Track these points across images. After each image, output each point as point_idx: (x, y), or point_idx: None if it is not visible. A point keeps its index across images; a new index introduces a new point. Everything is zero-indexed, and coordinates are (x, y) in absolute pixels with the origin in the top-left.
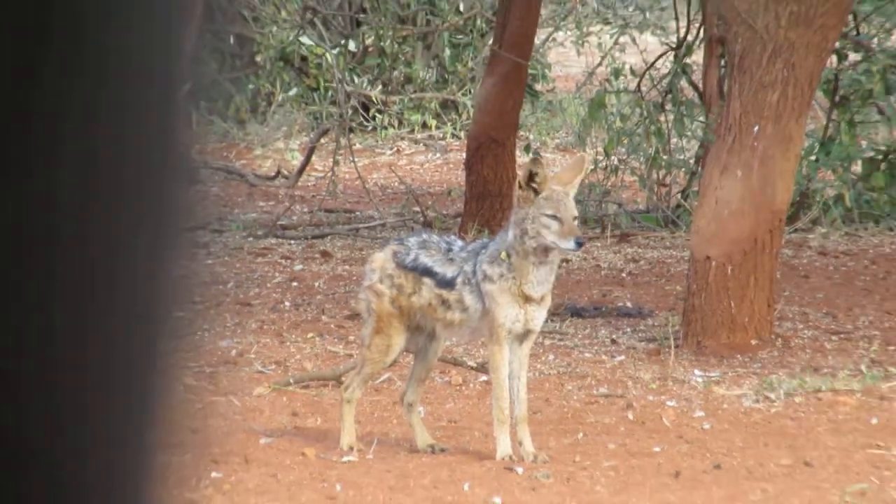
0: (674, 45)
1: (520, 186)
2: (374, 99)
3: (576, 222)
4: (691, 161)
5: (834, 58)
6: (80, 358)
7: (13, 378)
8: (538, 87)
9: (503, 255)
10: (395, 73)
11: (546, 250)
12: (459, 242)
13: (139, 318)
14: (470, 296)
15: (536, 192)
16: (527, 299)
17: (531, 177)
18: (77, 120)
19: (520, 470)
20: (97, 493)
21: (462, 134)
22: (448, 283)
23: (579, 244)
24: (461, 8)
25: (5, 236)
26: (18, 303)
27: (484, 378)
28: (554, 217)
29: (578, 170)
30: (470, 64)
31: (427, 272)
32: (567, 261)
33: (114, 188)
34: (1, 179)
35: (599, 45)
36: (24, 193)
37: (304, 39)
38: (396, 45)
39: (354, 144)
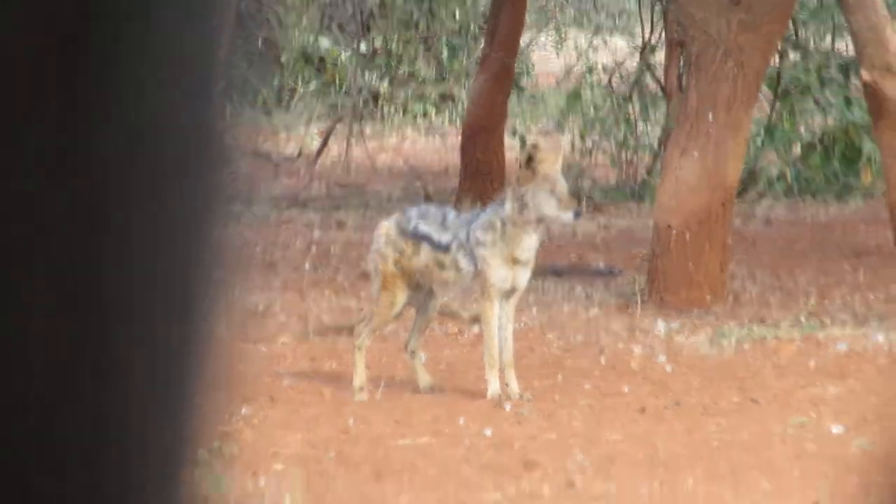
0: (639, 47)
1: (520, 167)
2: (382, 92)
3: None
4: (655, 144)
5: (777, 57)
6: (131, 312)
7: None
8: (523, 82)
9: (498, 224)
10: (400, 70)
11: (541, 221)
12: (453, 213)
13: (183, 276)
14: (463, 259)
15: (534, 172)
16: (515, 262)
17: (529, 159)
18: (124, 101)
19: (507, 407)
20: (148, 424)
21: (458, 122)
22: (443, 248)
23: (577, 214)
24: (457, 16)
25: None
26: (71, 258)
27: (476, 329)
28: (552, 193)
29: (558, 150)
30: (465, 63)
31: (425, 238)
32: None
33: (157, 166)
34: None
35: (576, 46)
36: (74, 162)
37: (322, 42)
38: (401, 47)
39: (365, 130)
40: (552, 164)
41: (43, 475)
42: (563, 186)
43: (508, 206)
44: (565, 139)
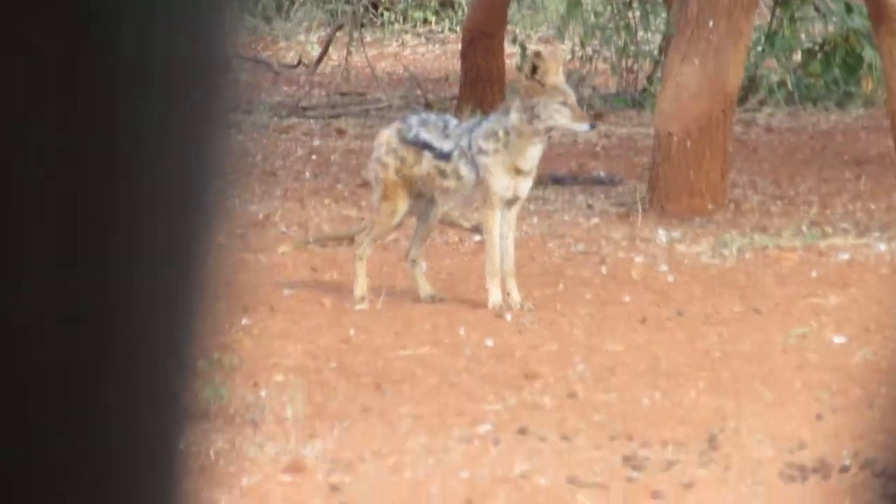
0: None
1: (525, 77)
2: None
3: None
4: (655, 51)
5: None
6: (138, 223)
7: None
8: None
9: (501, 133)
10: None
11: (550, 131)
12: (454, 121)
13: (185, 186)
14: (465, 167)
15: (542, 83)
16: (518, 172)
17: (534, 69)
18: (134, 19)
19: (508, 316)
20: (151, 336)
21: (458, 28)
22: (444, 156)
23: (592, 126)
24: None
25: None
26: (82, 172)
27: (477, 238)
28: (564, 104)
29: (560, 59)
30: None
31: (426, 146)
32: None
33: (164, 76)
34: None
35: None
36: (84, 78)
37: None
38: None
39: (365, 38)
40: (556, 74)
41: (45, 399)
42: (573, 97)
43: (515, 117)
44: (566, 47)
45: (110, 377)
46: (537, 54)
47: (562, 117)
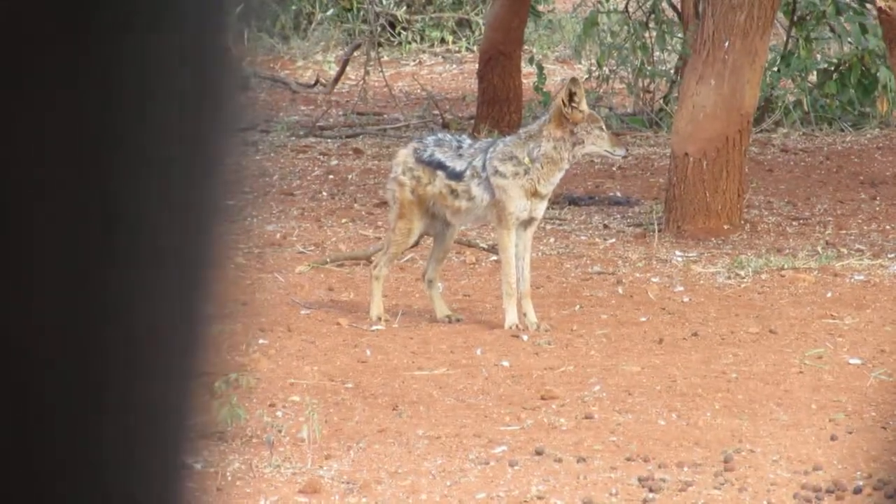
0: None
1: (563, 104)
2: (399, 18)
3: None
4: (672, 71)
5: None
6: (146, 241)
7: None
8: (540, 7)
9: (526, 159)
10: None
11: (585, 156)
12: (468, 140)
13: (197, 206)
14: (477, 188)
15: (580, 110)
16: (535, 195)
17: (572, 96)
18: (140, 30)
19: (525, 337)
20: (160, 356)
21: (475, 48)
22: (457, 176)
23: (627, 151)
24: None
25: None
26: (86, 184)
27: (494, 258)
28: (602, 130)
29: (578, 88)
30: None
31: (440, 166)
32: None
33: (173, 92)
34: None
35: None
36: (87, 91)
37: None
38: None
39: (382, 57)
40: (584, 99)
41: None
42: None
43: (548, 146)
44: (577, 75)
45: (109, 385)
46: (574, 81)
47: (603, 143)
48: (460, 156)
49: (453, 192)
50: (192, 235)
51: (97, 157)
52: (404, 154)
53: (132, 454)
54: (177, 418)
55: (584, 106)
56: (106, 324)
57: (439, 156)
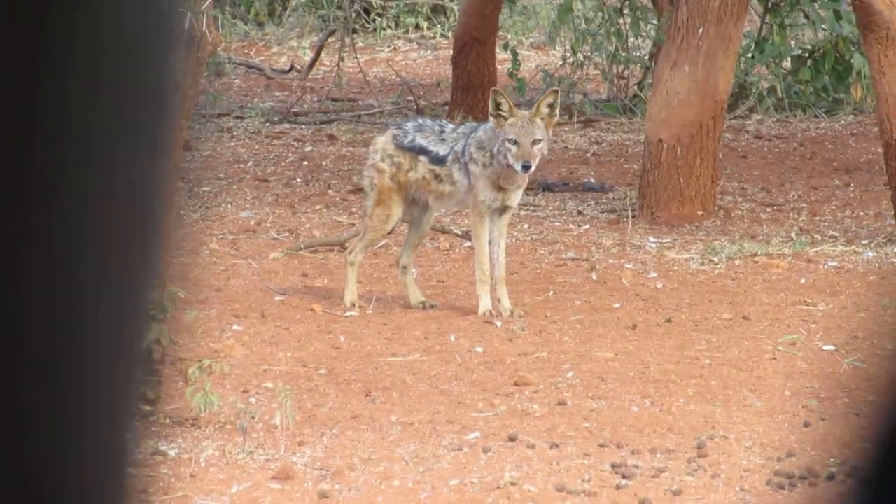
0: None
1: (490, 115)
2: (374, 4)
3: (537, 146)
4: (646, 58)
5: None
6: (109, 223)
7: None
8: None
9: (487, 155)
10: None
11: (510, 166)
12: (451, 125)
13: (168, 192)
14: (458, 172)
15: (505, 118)
16: (502, 189)
17: (497, 106)
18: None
19: (498, 323)
20: (134, 337)
21: (450, 34)
22: (440, 160)
23: (525, 167)
24: None
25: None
26: (58, 172)
27: (468, 244)
28: (515, 142)
29: (544, 96)
30: None
31: (422, 151)
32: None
33: (140, 81)
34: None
35: None
36: (43, 76)
37: None
38: None
39: (357, 43)
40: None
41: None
42: (526, 135)
43: (496, 147)
44: (556, 54)
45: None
46: (496, 91)
47: (510, 155)
48: (443, 140)
49: (437, 176)
50: (138, 216)
51: (40, 137)
52: (383, 141)
53: (76, 435)
54: (121, 398)
55: (513, 113)
56: (53, 304)
57: (421, 141)
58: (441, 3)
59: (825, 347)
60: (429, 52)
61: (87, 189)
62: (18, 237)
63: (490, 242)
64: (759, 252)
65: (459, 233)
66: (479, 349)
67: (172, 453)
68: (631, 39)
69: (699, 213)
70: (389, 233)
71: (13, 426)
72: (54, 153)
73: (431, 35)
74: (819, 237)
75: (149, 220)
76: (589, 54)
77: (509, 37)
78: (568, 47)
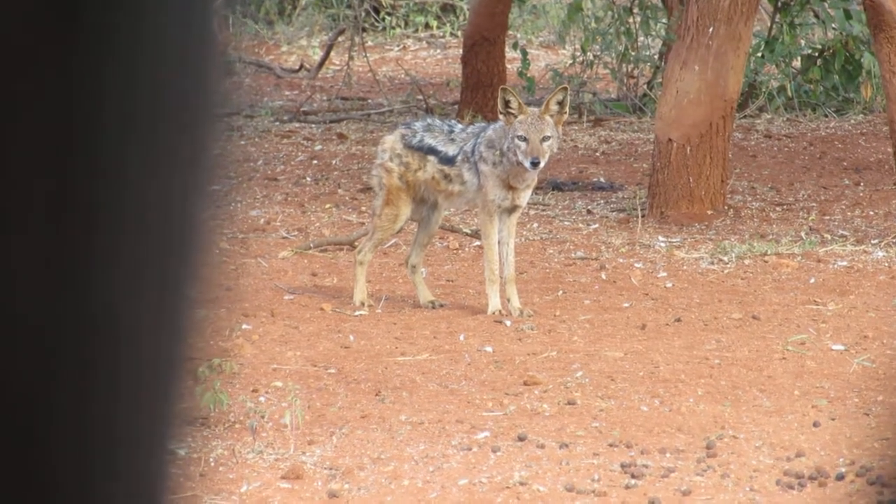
0: None
1: (500, 113)
2: (383, 3)
3: (546, 142)
4: (656, 57)
5: None
6: (128, 225)
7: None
8: None
9: (497, 153)
10: None
11: (520, 163)
12: (460, 125)
13: (181, 192)
14: (468, 172)
15: (515, 116)
16: (512, 188)
17: (507, 104)
18: (126, 22)
19: (508, 322)
20: (144, 336)
21: (459, 33)
22: (449, 160)
23: (534, 164)
24: None
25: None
26: (74, 169)
27: (477, 243)
28: (524, 139)
29: (553, 93)
30: None
31: (431, 151)
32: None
33: (157, 79)
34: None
35: None
36: (77, 80)
37: None
38: None
39: (367, 42)
40: (543, 105)
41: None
42: (536, 132)
43: (506, 145)
44: (566, 53)
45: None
46: (504, 89)
47: (519, 152)
48: (452, 140)
49: (446, 176)
50: (176, 223)
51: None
52: (391, 140)
53: (118, 441)
54: (163, 405)
55: (522, 111)
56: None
57: (430, 141)
58: (451, 2)
59: (835, 347)
60: (438, 51)
61: (128, 204)
62: (62, 248)
63: (499, 242)
64: (769, 251)
65: (468, 232)
66: (489, 349)
67: (182, 453)
68: (641, 38)
69: (709, 212)
70: (398, 232)
71: (74, 430)
72: (96, 166)
73: (441, 34)
74: (829, 237)
75: (188, 234)
76: (599, 53)
77: (519, 36)
78: (578, 46)
